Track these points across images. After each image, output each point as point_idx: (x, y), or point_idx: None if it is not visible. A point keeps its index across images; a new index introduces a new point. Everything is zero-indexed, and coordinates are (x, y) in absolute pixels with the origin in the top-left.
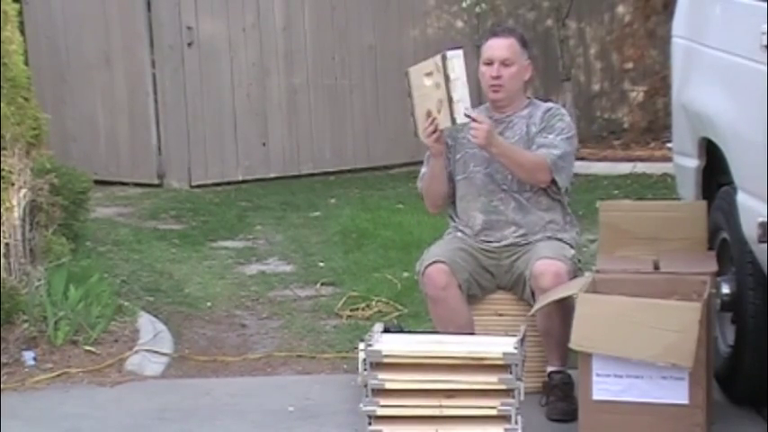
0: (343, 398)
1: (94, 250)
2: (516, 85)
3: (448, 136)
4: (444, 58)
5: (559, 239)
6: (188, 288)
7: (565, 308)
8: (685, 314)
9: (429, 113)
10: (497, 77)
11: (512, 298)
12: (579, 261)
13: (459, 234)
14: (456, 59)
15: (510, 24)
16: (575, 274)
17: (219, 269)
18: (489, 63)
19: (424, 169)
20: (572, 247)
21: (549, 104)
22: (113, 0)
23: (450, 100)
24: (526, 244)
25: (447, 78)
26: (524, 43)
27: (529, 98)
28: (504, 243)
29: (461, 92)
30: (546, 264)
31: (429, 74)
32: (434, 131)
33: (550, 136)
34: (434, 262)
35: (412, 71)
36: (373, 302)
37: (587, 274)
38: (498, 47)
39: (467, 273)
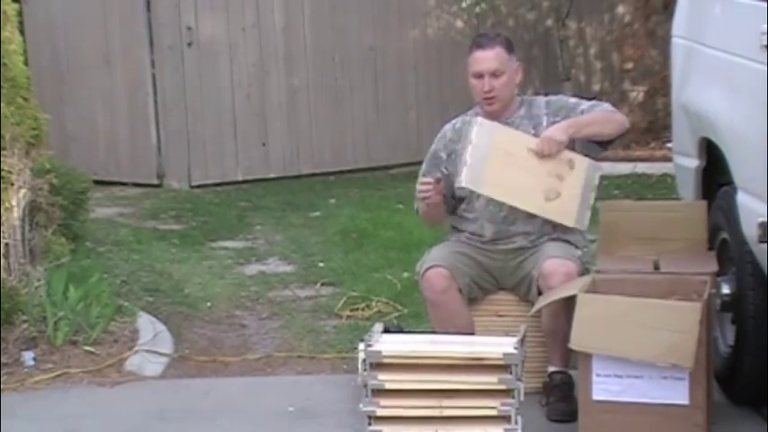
0: (343, 398)
1: (94, 250)
2: (509, 92)
3: (443, 149)
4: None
5: (566, 241)
6: (188, 288)
7: (571, 307)
8: (685, 314)
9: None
10: (490, 90)
11: (512, 299)
12: (587, 262)
13: (464, 239)
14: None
15: (491, 31)
16: (583, 274)
17: (219, 269)
18: (479, 76)
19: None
20: (578, 247)
21: (540, 98)
22: (113, 0)
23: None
24: (533, 246)
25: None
26: (510, 48)
27: (519, 95)
28: (512, 247)
29: None
30: (556, 263)
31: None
32: None
33: (582, 105)
34: (434, 266)
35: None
36: (373, 303)
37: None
38: (485, 59)
39: (468, 277)
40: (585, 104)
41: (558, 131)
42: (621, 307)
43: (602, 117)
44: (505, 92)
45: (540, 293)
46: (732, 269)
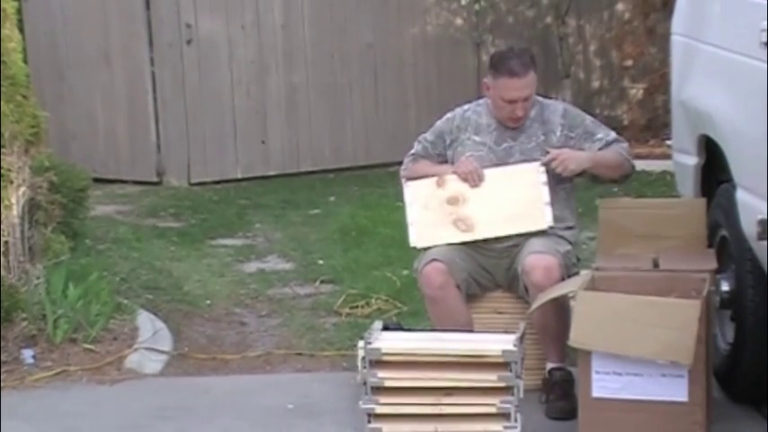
0: (343, 396)
1: (93, 248)
2: (531, 105)
3: (449, 132)
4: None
5: (557, 235)
6: (187, 286)
7: (559, 303)
8: (685, 312)
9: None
10: (522, 115)
11: (511, 296)
12: (578, 259)
13: None
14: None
15: (517, 48)
16: (567, 268)
17: (219, 267)
18: (511, 102)
19: (408, 163)
20: (570, 242)
21: (557, 104)
22: None
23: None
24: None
25: None
26: (535, 63)
27: None
28: (507, 245)
29: None
30: (536, 258)
31: None
32: None
33: (600, 134)
34: (432, 261)
35: None
36: (372, 300)
37: (583, 272)
38: (520, 88)
39: (465, 272)
40: (604, 135)
41: (577, 163)
42: (621, 304)
43: (618, 162)
44: (530, 108)
45: (525, 289)
46: (731, 266)
